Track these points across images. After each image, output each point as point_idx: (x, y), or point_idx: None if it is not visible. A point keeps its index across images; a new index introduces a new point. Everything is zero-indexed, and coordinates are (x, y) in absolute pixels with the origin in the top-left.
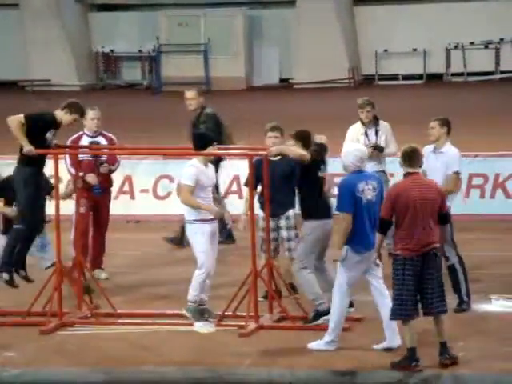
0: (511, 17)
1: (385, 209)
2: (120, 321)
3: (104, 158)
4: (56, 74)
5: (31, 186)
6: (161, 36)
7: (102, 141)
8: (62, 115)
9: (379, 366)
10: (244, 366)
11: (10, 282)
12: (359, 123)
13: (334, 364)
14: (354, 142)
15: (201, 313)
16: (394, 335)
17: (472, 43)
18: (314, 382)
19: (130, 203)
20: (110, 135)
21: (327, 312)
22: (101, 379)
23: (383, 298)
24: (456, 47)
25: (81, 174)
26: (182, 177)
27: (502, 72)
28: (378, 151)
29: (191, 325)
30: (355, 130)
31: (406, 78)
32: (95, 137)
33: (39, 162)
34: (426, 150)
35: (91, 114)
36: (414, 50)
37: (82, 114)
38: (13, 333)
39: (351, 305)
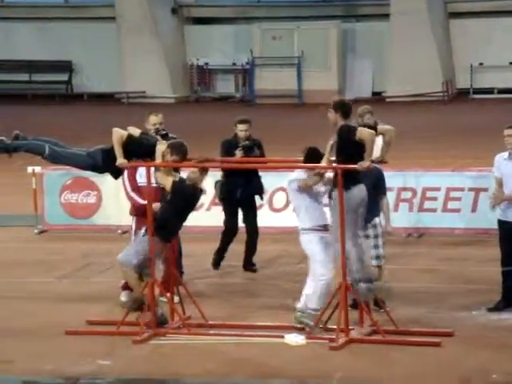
0: None
1: None
2: (211, 332)
3: None
4: (151, 86)
5: None
6: (254, 49)
7: None
8: (162, 150)
9: None
10: (335, 380)
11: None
12: None
13: (424, 379)
14: None
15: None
16: None
17: None
18: None
19: None
20: None
21: None
22: None
23: None
24: None
25: (144, 202)
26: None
27: None
28: None
29: (281, 337)
30: None
31: (501, 91)
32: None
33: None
34: (499, 158)
35: (154, 120)
36: (511, 63)
37: (184, 157)
38: (107, 342)
39: None
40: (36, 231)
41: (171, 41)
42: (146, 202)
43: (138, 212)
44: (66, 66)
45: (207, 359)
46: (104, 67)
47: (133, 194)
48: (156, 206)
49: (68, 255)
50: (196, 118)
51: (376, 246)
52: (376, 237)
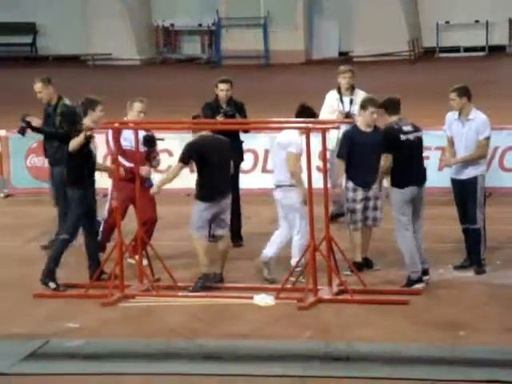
0: None
1: None
2: (180, 293)
3: (158, 149)
4: (116, 47)
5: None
6: (220, 10)
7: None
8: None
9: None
10: (303, 339)
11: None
12: (335, 90)
13: (392, 337)
14: (330, 108)
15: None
16: None
17: None
18: (373, 356)
19: None
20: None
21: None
22: (160, 349)
23: None
24: None
25: (131, 164)
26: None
27: None
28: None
29: (250, 298)
30: (332, 97)
31: (467, 50)
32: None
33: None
34: (450, 117)
35: (139, 107)
36: (477, 21)
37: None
38: (76, 305)
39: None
40: (2, 195)
41: (136, 2)
42: (132, 165)
43: (126, 175)
44: (30, 28)
45: (176, 321)
46: (69, 29)
47: (119, 158)
48: (143, 168)
49: (35, 219)
50: (162, 79)
51: (375, 208)
52: (376, 198)
